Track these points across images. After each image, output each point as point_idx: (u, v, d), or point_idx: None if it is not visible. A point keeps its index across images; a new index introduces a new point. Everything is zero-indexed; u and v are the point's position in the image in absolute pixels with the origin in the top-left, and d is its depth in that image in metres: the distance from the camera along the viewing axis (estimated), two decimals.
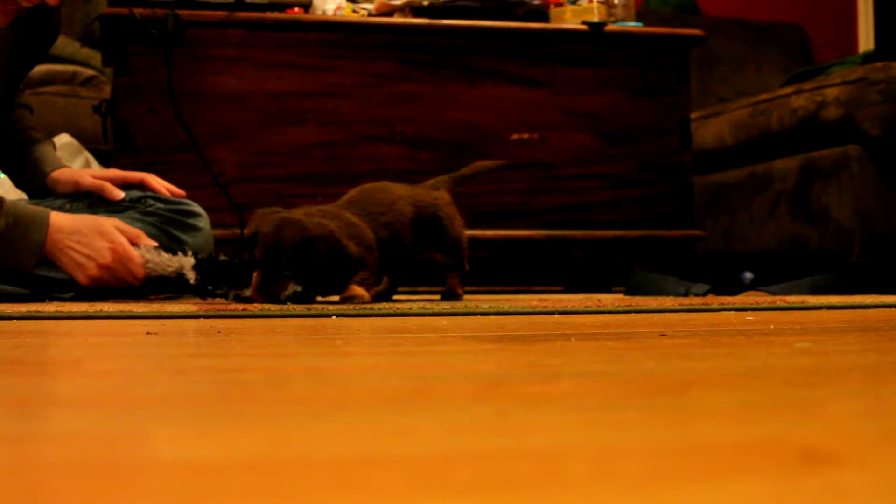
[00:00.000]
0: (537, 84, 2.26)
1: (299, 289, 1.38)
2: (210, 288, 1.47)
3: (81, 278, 1.50)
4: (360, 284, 1.43)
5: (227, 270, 1.47)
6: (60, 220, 1.49)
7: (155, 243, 1.54)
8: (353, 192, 1.53)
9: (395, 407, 0.42)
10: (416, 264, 1.61)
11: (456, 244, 1.59)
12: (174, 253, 1.51)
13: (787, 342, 0.75)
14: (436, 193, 1.59)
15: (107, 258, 1.48)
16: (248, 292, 1.40)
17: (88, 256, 1.48)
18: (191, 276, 1.47)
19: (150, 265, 1.50)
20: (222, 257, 1.50)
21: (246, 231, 1.42)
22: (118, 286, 1.53)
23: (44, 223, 1.47)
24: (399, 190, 1.55)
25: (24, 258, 1.47)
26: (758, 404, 0.43)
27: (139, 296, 1.66)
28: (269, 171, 2.12)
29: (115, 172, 1.72)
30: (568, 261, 2.61)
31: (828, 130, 2.37)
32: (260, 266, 1.37)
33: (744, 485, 0.27)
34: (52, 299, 1.52)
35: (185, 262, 1.49)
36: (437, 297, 1.66)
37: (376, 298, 1.59)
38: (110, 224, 1.51)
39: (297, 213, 1.42)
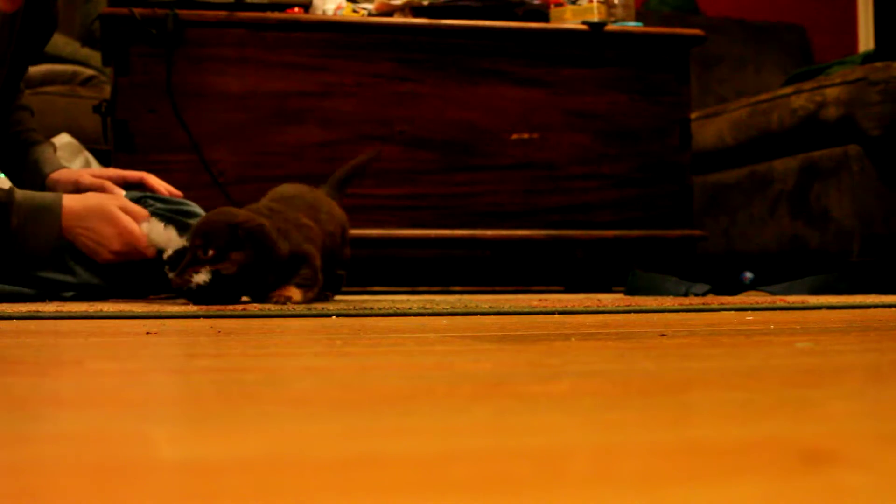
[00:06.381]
0: (537, 84, 2.26)
1: (207, 278, 1.36)
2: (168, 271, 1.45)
3: (98, 259, 1.53)
4: (300, 286, 1.41)
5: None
6: (71, 205, 1.50)
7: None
8: (286, 193, 1.53)
9: (395, 407, 0.42)
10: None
11: (347, 260, 1.60)
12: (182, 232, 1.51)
13: (787, 342, 0.75)
14: (340, 210, 1.60)
15: (115, 245, 1.49)
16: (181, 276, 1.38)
17: (98, 243, 1.50)
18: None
19: (154, 240, 1.50)
20: None
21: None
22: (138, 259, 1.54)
23: (56, 213, 1.49)
24: (325, 197, 1.57)
25: (39, 249, 1.49)
26: (758, 404, 0.43)
27: (139, 296, 1.66)
28: (269, 171, 2.12)
29: (114, 171, 1.72)
30: (568, 261, 2.61)
31: (828, 130, 2.37)
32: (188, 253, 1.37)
33: (744, 485, 0.27)
34: (52, 299, 1.52)
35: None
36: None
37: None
38: (115, 206, 1.51)
39: (241, 209, 1.42)
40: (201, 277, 1.35)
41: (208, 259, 1.36)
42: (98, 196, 1.53)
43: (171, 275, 1.39)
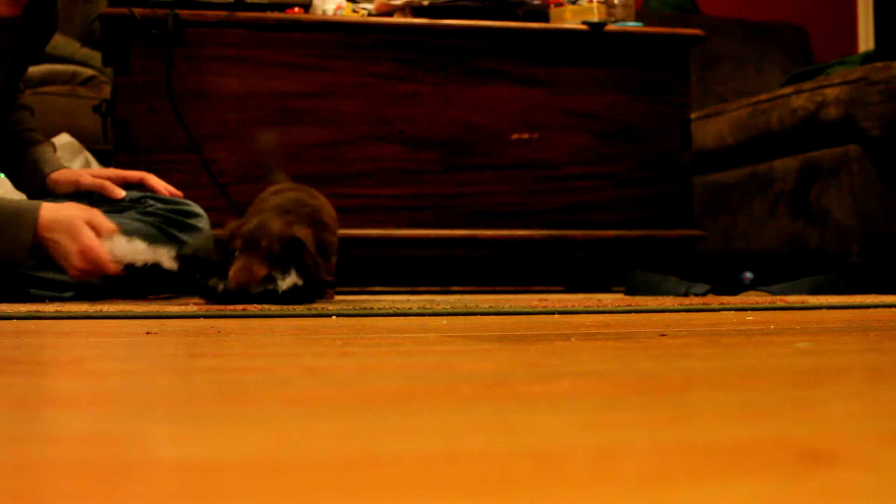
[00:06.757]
0: (537, 84, 2.26)
1: (300, 282, 1.34)
2: (198, 276, 1.41)
3: (68, 273, 1.50)
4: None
5: (218, 264, 1.42)
6: (47, 215, 1.47)
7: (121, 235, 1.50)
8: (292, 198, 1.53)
9: (395, 407, 0.42)
10: None
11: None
12: (162, 244, 1.49)
13: (787, 342, 0.75)
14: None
15: (76, 262, 1.45)
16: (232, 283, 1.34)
17: (64, 258, 1.47)
18: (170, 265, 1.44)
19: (117, 256, 1.47)
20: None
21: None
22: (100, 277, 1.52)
23: (31, 221, 1.46)
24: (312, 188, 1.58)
25: (14, 255, 1.47)
26: (758, 404, 0.43)
27: (139, 296, 1.66)
28: None
29: (114, 171, 1.72)
30: (568, 261, 2.61)
31: (828, 130, 2.37)
32: (240, 254, 1.34)
33: (744, 485, 0.27)
34: (52, 299, 1.52)
35: (162, 254, 1.45)
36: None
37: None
38: (83, 220, 1.47)
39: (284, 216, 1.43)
40: (290, 280, 1.34)
41: (270, 263, 1.34)
42: (70, 208, 1.49)
43: (231, 272, 1.35)
